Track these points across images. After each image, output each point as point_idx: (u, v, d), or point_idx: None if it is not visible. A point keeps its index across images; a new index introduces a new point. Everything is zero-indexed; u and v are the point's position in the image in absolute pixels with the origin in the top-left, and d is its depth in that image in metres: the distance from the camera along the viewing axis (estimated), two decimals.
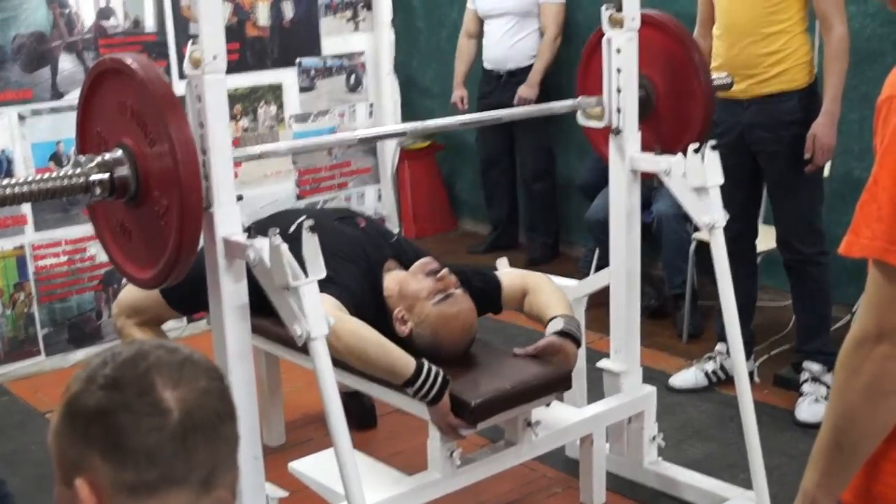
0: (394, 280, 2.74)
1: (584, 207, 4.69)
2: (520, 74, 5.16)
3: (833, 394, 1.36)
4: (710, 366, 3.80)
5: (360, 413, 3.48)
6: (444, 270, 2.67)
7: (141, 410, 1.09)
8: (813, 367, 3.59)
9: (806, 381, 3.59)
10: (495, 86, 5.24)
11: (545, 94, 5.08)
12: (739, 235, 3.58)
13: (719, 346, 3.79)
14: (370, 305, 2.67)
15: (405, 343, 2.68)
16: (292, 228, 2.25)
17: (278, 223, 2.48)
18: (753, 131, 3.48)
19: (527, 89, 5.09)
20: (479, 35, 5.38)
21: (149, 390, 1.09)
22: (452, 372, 2.60)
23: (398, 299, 2.68)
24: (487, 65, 5.30)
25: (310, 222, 2.05)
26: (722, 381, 3.77)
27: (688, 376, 3.82)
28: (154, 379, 1.10)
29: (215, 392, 1.14)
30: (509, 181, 5.61)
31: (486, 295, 2.82)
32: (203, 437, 1.10)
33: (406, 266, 2.79)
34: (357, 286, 2.62)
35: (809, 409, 3.51)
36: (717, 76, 3.03)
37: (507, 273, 2.92)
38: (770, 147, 3.48)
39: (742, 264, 3.60)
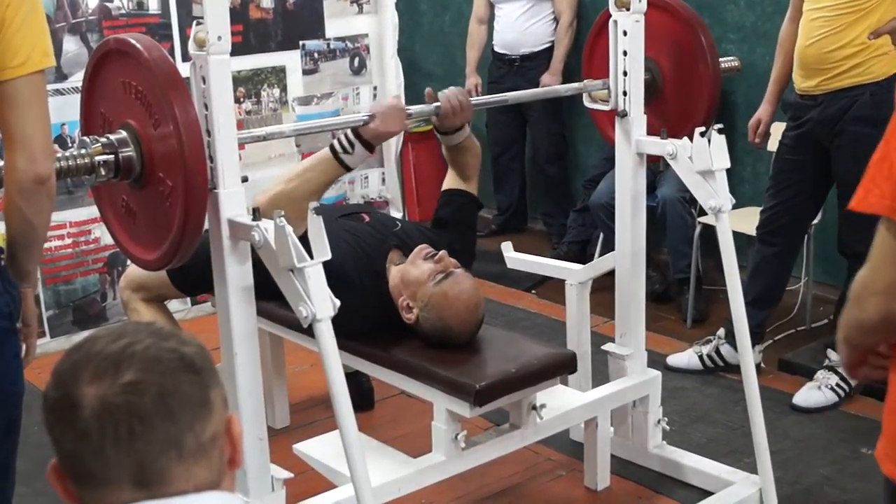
0: (397, 271, 2.73)
1: None
2: (534, 59, 5.12)
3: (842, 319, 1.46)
4: (705, 349, 3.79)
5: (358, 394, 3.46)
6: (442, 252, 2.66)
7: (56, 408, 1.06)
8: (833, 355, 3.56)
9: (823, 368, 3.57)
10: (508, 70, 5.20)
11: (565, 79, 5.03)
12: (773, 222, 3.58)
13: (720, 331, 3.78)
14: (374, 299, 2.66)
15: (414, 331, 2.67)
16: None
17: None
18: (821, 128, 3.39)
19: (550, 77, 5.04)
20: (490, 20, 5.34)
21: (70, 386, 1.05)
22: (457, 356, 2.60)
23: (401, 288, 2.67)
24: (499, 49, 5.25)
25: (314, 204, 2.04)
26: (718, 367, 3.74)
27: (682, 357, 3.81)
28: (79, 373, 1.06)
29: (146, 387, 1.05)
30: (519, 166, 5.59)
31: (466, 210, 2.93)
32: (113, 436, 1.04)
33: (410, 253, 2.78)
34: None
35: (807, 394, 3.50)
36: (725, 59, 3.01)
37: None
38: (834, 143, 3.38)
39: (772, 251, 3.60)
